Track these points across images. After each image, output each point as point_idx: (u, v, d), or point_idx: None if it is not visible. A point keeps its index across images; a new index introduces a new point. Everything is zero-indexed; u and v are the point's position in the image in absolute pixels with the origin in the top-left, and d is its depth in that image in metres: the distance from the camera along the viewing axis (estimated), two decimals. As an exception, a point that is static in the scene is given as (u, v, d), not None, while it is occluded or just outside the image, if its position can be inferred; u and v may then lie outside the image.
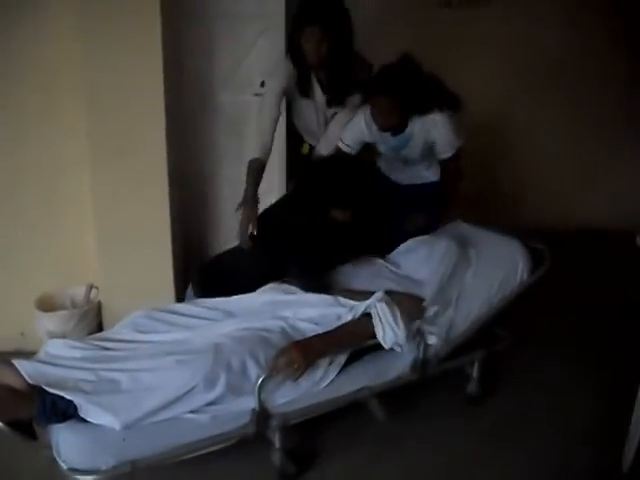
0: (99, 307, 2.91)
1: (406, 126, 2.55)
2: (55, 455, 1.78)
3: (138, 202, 2.74)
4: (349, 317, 2.19)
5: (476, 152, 3.60)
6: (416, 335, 2.23)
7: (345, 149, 2.68)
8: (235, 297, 2.33)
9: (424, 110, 2.51)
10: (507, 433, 2.45)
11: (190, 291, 2.57)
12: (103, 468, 1.76)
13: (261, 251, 2.47)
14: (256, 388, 1.94)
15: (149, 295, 2.72)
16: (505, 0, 4.00)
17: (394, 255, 2.64)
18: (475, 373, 2.55)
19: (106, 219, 2.76)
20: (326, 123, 2.79)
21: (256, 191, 2.57)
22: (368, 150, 2.75)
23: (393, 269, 2.55)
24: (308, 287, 2.33)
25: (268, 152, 2.62)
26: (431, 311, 2.30)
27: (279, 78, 2.63)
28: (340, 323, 2.19)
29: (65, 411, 1.80)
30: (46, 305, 2.87)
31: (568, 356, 2.97)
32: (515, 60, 4.13)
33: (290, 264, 2.41)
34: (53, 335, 2.69)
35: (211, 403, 1.93)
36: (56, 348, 2.01)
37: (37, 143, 2.80)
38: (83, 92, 2.60)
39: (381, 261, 2.61)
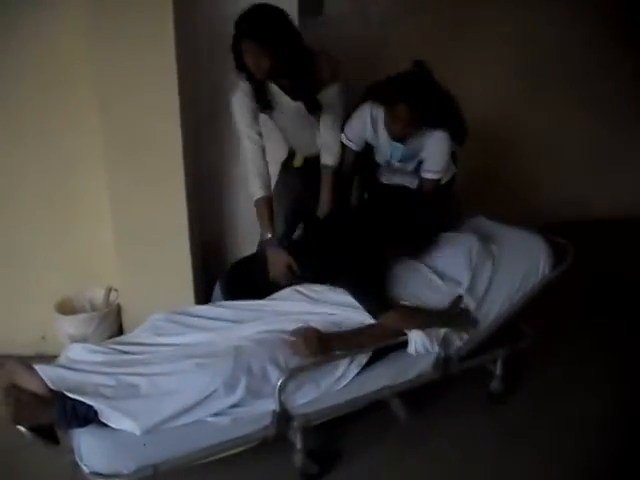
0: (118, 309, 2.91)
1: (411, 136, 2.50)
2: (77, 459, 1.79)
3: (155, 202, 2.71)
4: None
5: (489, 148, 3.59)
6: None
7: (347, 144, 2.61)
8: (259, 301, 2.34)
9: (435, 125, 2.47)
10: (529, 432, 2.42)
11: (217, 292, 2.57)
12: (125, 472, 1.76)
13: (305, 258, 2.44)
14: (276, 390, 1.93)
15: (168, 296, 2.72)
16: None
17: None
18: (498, 371, 2.52)
19: (123, 220, 2.74)
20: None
21: (274, 232, 2.52)
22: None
23: (424, 267, 2.48)
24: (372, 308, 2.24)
25: (270, 185, 2.58)
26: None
27: (242, 105, 2.52)
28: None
29: (86, 416, 1.80)
30: (66, 308, 2.88)
31: (591, 353, 2.93)
32: (522, 54, 4.05)
33: (353, 287, 2.32)
34: (74, 338, 2.71)
35: (232, 406, 1.92)
36: (76, 353, 2.02)
37: (50, 144, 2.79)
38: (96, 91, 2.57)
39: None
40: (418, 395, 2.30)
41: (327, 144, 2.62)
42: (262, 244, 2.51)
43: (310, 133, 2.68)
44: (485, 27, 3.89)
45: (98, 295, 2.97)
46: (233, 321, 2.21)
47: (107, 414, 1.79)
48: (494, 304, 2.40)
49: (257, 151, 2.54)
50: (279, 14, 2.34)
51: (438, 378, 2.28)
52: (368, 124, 2.55)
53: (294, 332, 2.05)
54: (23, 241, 2.91)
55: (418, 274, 2.42)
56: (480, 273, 2.41)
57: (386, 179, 2.82)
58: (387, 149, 2.57)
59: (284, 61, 2.35)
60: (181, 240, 2.77)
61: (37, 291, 2.93)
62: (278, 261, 2.43)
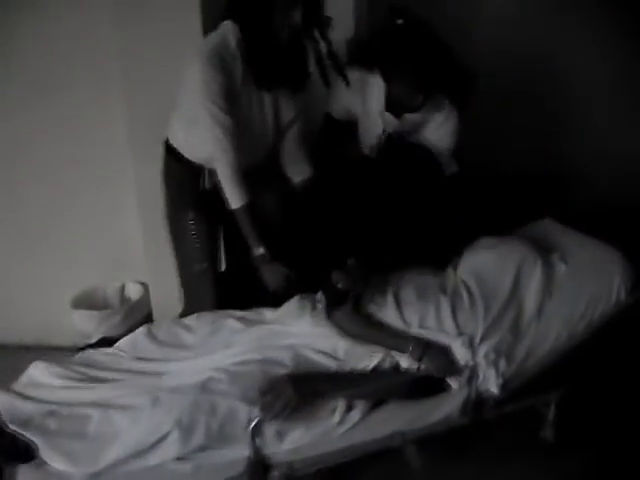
0: (143, 305, 2.76)
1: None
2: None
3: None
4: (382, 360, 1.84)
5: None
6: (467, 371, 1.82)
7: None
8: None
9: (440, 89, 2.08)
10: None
11: None
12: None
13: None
14: (249, 432, 1.62)
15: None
16: None
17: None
18: (551, 416, 2.04)
19: (151, 215, 2.53)
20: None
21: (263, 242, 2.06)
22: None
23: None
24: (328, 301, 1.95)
25: (249, 190, 2.04)
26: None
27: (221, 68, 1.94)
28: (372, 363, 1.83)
29: (27, 451, 1.59)
30: (91, 301, 2.78)
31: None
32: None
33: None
34: (81, 332, 2.63)
35: (198, 450, 1.63)
36: (37, 373, 1.81)
37: (80, 135, 2.68)
38: (122, 82, 2.43)
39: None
40: (448, 439, 1.89)
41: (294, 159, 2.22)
42: (254, 260, 2.06)
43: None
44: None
45: (128, 289, 2.87)
46: (220, 341, 1.90)
47: (47, 453, 1.57)
48: (547, 333, 1.93)
49: (232, 144, 1.96)
50: None
51: (467, 424, 1.86)
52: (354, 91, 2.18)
53: (261, 391, 1.67)
54: (54, 233, 2.83)
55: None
56: (519, 293, 1.95)
57: None
58: (377, 121, 2.18)
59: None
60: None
61: (58, 282, 2.84)
62: (276, 277, 2.05)
